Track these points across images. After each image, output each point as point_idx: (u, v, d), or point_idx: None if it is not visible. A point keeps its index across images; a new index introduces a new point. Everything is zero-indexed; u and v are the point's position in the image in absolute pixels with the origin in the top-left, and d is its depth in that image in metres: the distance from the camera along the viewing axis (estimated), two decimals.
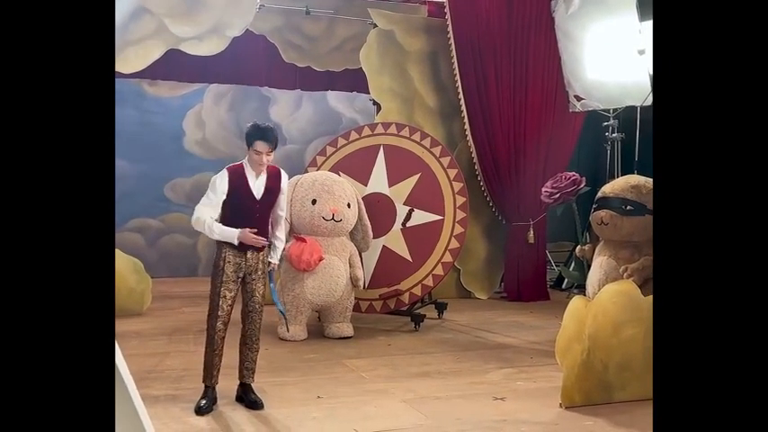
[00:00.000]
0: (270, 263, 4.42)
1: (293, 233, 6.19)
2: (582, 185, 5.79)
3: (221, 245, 4.26)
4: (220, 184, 4.22)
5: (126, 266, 7.00)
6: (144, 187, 9.58)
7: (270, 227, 4.41)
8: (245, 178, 4.24)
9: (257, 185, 4.25)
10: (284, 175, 4.42)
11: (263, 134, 4.18)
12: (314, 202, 6.18)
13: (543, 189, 6.03)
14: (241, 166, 4.28)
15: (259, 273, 4.31)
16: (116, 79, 7.34)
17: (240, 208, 4.24)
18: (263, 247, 4.32)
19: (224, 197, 4.22)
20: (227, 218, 4.25)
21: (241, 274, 4.27)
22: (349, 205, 6.29)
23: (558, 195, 5.80)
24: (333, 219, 6.16)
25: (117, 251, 6.98)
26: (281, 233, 4.50)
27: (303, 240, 6.06)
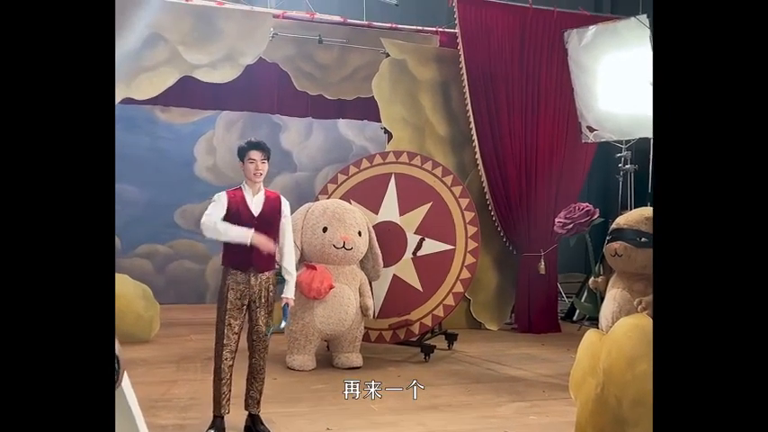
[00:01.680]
0: (283, 298, 4.43)
1: (304, 261, 6.16)
2: (595, 216, 5.77)
3: (226, 273, 4.32)
4: (220, 199, 4.32)
5: (134, 292, 6.98)
6: (153, 213, 9.61)
7: (274, 259, 4.42)
8: (243, 196, 4.33)
9: (255, 202, 4.33)
10: (285, 201, 4.49)
11: (255, 145, 4.35)
12: (325, 229, 6.17)
13: (556, 219, 5.99)
14: (238, 188, 4.39)
15: (263, 300, 4.33)
16: (128, 105, 7.50)
17: (239, 225, 4.26)
18: (267, 272, 4.35)
19: (224, 211, 4.28)
20: None
21: (246, 302, 4.30)
22: (360, 233, 6.28)
23: (571, 226, 5.76)
24: (344, 247, 6.14)
25: (125, 277, 7.01)
26: (290, 266, 4.50)
27: (314, 268, 6.04)
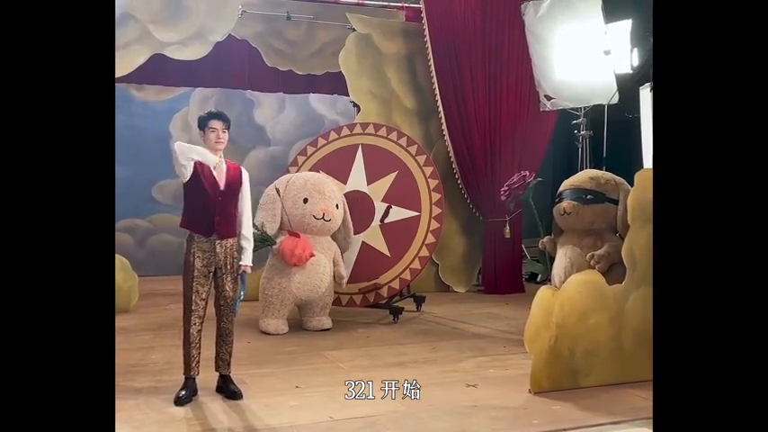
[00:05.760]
0: (241, 265, 4.46)
1: (286, 228, 6.35)
2: (530, 180, 6.05)
3: (190, 240, 4.35)
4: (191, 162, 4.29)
5: None
6: (133, 189, 9.76)
7: (236, 225, 4.46)
8: (209, 167, 4.34)
9: (218, 172, 4.35)
10: (245, 171, 4.51)
11: (216, 115, 4.38)
12: (305, 200, 6.34)
13: (501, 189, 6.34)
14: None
15: (228, 267, 4.37)
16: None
17: (203, 193, 4.30)
18: (231, 239, 4.39)
19: (192, 162, 4.27)
20: (191, 203, 4.36)
21: (212, 269, 4.34)
22: (337, 206, 6.49)
23: (507, 191, 6.10)
24: (323, 218, 6.33)
25: None
26: (248, 233, 4.51)
27: (297, 236, 6.19)
